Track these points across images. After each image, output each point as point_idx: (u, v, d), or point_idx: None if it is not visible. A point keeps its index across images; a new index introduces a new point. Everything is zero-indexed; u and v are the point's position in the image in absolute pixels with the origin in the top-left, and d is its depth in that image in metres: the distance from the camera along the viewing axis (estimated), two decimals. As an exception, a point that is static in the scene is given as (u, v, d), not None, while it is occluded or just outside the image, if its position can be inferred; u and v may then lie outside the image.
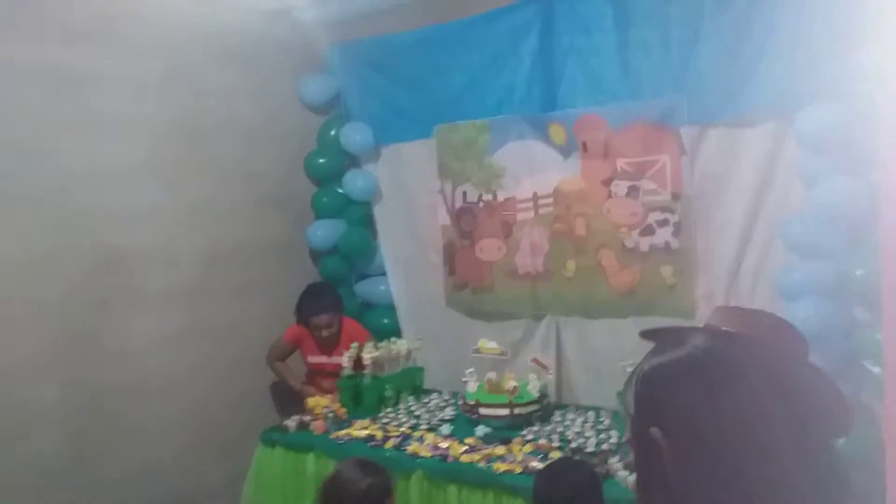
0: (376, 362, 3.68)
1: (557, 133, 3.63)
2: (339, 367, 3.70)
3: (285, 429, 3.41)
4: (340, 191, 4.32)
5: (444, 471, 2.90)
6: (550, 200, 3.73)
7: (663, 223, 3.39)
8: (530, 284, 3.82)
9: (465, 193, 3.98)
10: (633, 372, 1.12)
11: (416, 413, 3.53)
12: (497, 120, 3.78)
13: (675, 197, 3.34)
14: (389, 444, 3.12)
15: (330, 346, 3.90)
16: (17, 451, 3.03)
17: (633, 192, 3.46)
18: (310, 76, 4.32)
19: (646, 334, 1.11)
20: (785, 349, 1.24)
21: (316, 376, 3.95)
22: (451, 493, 2.84)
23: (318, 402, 3.56)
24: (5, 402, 3.01)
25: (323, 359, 3.92)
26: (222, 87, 3.90)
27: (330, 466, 3.18)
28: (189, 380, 3.73)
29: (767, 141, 3.07)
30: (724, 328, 1.30)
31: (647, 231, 3.43)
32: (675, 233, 3.36)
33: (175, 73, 3.67)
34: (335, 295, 3.95)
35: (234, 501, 3.48)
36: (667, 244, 3.38)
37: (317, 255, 4.42)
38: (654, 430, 0.98)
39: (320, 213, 4.36)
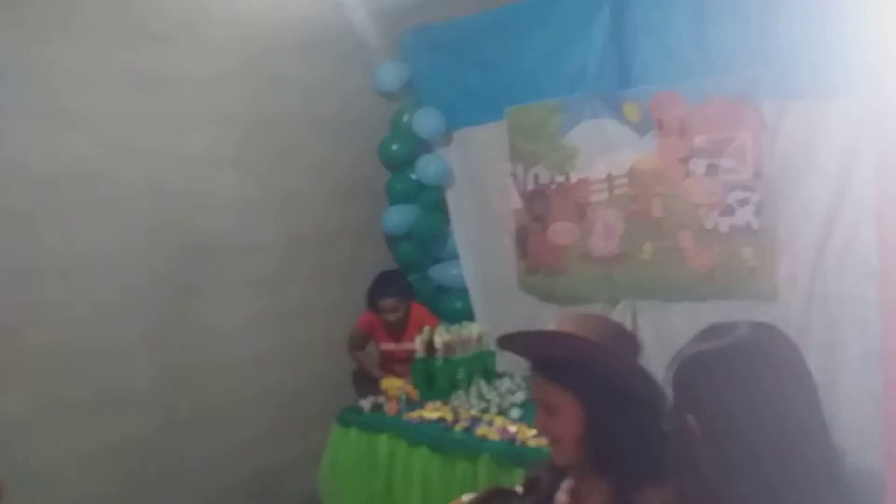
0: (448, 346, 3.72)
1: (632, 111, 3.53)
2: (410, 352, 3.76)
3: (360, 409, 3.50)
4: (413, 176, 4.37)
5: (511, 454, 2.91)
6: (626, 181, 3.64)
7: (744, 202, 3.24)
8: (605, 268, 3.74)
9: (537, 176, 3.94)
10: (674, 357, 1.12)
11: (487, 396, 3.54)
12: (569, 100, 3.71)
13: (756, 175, 3.19)
14: (459, 426, 3.16)
15: (398, 331, 3.97)
16: (112, 427, 3.26)
17: (711, 170, 3.32)
18: (383, 63, 4.37)
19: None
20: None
21: (388, 363, 4.04)
22: (517, 476, 2.83)
23: (392, 384, 3.63)
24: (103, 381, 3.23)
25: (392, 345, 3.99)
26: (297, 78, 4.01)
27: (402, 447, 3.27)
28: (271, 361, 3.88)
29: (854, 115, 2.88)
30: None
31: (727, 211, 3.29)
32: (757, 213, 3.21)
33: (252, 66, 3.79)
34: (403, 281, 4.01)
35: (313, 479, 3.61)
36: (748, 224, 3.23)
37: (392, 241, 4.49)
38: (690, 418, 0.99)
39: (394, 199, 4.43)
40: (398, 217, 4.36)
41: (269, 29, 3.84)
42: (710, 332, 1.07)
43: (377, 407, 3.50)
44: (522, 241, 4.08)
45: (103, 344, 3.24)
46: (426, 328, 3.75)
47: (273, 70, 3.89)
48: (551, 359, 1.45)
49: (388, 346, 4.02)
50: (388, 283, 3.96)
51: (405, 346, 3.89)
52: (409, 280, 4.07)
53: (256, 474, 3.79)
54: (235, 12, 3.70)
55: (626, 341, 1.48)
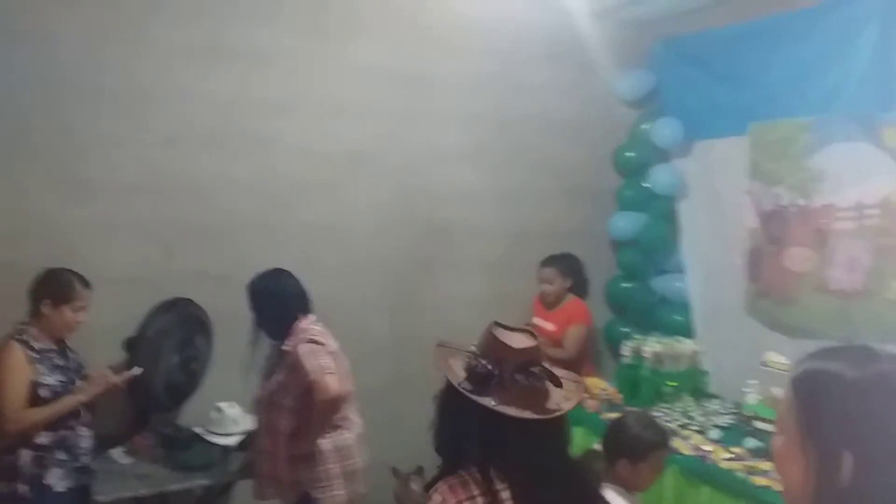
0: (657, 357, 3.73)
1: (893, 136, 3.24)
2: (545, 332, 3.83)
3: (561, 401, 3.66)
4: (646, 184, 4.39)
5: (700, 471, 2.89)
6: (878, 211, 3.34)
7: None
8: (842, 302, 3.47)
9: (777, 196, 3.75)
10: (805, 370, 1.10)
11: (691, 414, 3.50)
12: (821, 119, 3.49)
13: None
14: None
15: (546, 309, 4.02)
16: (352, 370, 3.78)
17: (984, 208, 2.94)
18: (627, 72, 4.45)
19: None
20: None
21: None
22: (703, 494, 2.83)
23: (596, 384, 3.74)
24: (349, 329, 3.73)
25: (538, 319, 4.04)
26: (541, 83, 4.26)
27: (593, 443, 3.37)
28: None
29: None
30: None
31: None
32: None
33: (502, 71, 4.14)
34: (572, 261, 4.02)
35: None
36: None
37: (616, 246, 4.56)
38: (846, 453, 0.97)
39: (623, 206, 4.49)
40: (625, 223, 4.42)
41: (519, 39, 4.14)
42: (851, 355, 1.07)
43: (578, 401, 3.63)
44: (755, 263, 3.92)
45: (351, 297, 3.78)
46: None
47: (519, 76, 4.19)
48: None
49: (535, 320, 4.07)
50: (557, 256, 4.02)
51: (546, 324, 3.95)
52: (582, 270, 4.08)
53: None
54: (491, 24, 4.05)
55: None
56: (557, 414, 1.55)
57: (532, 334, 1.65)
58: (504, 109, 4.17)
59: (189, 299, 3.29)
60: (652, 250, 4.41)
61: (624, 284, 4.52)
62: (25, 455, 2.59)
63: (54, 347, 2.73)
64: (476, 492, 1.50)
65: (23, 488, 2.59)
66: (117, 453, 3.05)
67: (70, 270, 2.77)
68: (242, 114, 3.52)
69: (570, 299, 3.98)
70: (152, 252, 3.38)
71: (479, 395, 1.53)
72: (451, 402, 1.59)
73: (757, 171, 3.84)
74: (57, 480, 2.65)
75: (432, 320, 4.04)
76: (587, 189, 4.46)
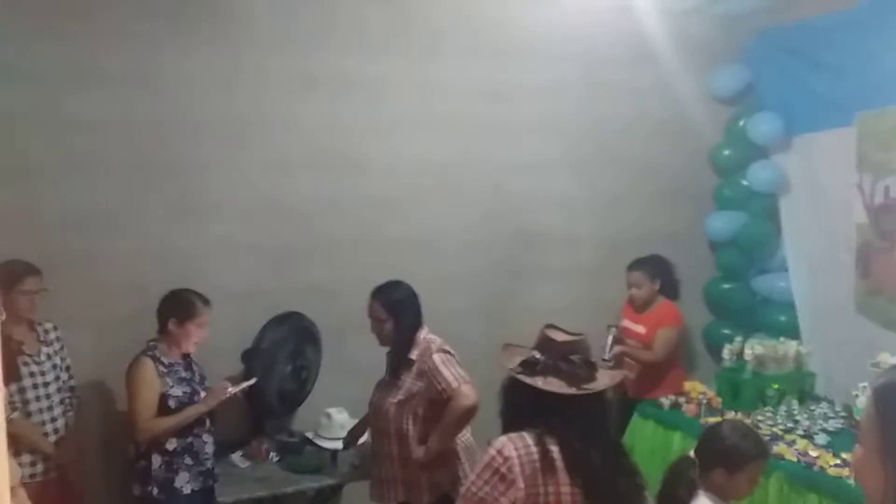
0: (759, 359, 3.63)
1: None
2: (636, 335, 3.83)
3: (660, 405, 3.65)
4: (744, 182, 4.27)
5: (806, 478, 2.81)
6: None
7: None
8: (964, 299, 3.28)
9: (887, 188, 3.58)
10: (888, 381, 1.12)
11: (797, 417, 3.39)
12: (933, 106, 3.31)
13: None
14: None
15: (636, 312, 3.96)
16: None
17: None
18: (720, 68, 4.34)
19: None
20: None
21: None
22: (810, 502, 2.75)
23: (695, 388, 3.69)
24: (444, 339, 3.89)
25: (627, 322, 3.98)
26: (633, 86, 4.24)
27: (691, 447, 3.34)
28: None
29: None
30: None
31: None
32: None
33: (588, 77, 4.15)
34: (660, 263, 3.93)
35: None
36: None
37: (715, 247, 4.46)
38: None
39: (722, 205, 4.38)
40: (723, 223, 4.31)
41: (605, 43, 4.13)
42: None
43: (676, 405, 3.60)
44: (865, 260, 3.74)
45: (446, 307, 3.86)
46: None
47: (604, 78, 4.18)
48: None
49: (625, 322, 4.02)
50: (644, 259, 3.93)
51: (635, 326, 3.90)
52: (671, 271, 3.97)
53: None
54: (574, 30, 4.07)
55: None
56: (588, 391, 1.94)
57: (577, 335, 2.10)
58: (593, 115, 4.19)
59: (299, 313, 3.52)
60: (752, 250, 4.29)
61: (724, 285, 4.41)
62: (157, 460, 2.87)
63: (180, 361, 3.01)
64: (531, 443, 1.89)
65: (155, 491, 2.87)
66: (237, 457, 3.31)
67: (192, 290, 3.04)
68: (337, 137, 3.73)
69: (661, 302, 3.93)
70: (262, 270, 3.63)
71: (529, 377, 1.97)
72: (510, 384, 2.04)
73: (865, 162, 3.67)
74: (185, 483, 2.92)
75: (526, 329, 4.05)
76: (683, 190, 4.39)
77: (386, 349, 2.99)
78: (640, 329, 3.90)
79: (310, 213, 3.73)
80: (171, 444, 2.90)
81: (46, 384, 2.97)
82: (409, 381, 2.87)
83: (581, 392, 1.94)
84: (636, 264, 3.94)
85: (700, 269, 4.36)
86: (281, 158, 3.66)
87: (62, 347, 3.10)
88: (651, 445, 3.57)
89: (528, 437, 1.90)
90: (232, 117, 3.56)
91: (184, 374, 2.99)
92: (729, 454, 2.34)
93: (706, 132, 4.39)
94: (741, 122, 4.28)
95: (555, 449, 1.87)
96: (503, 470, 1.85)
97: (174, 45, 3.41)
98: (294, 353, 3.44)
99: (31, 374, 2.92)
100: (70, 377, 3.12)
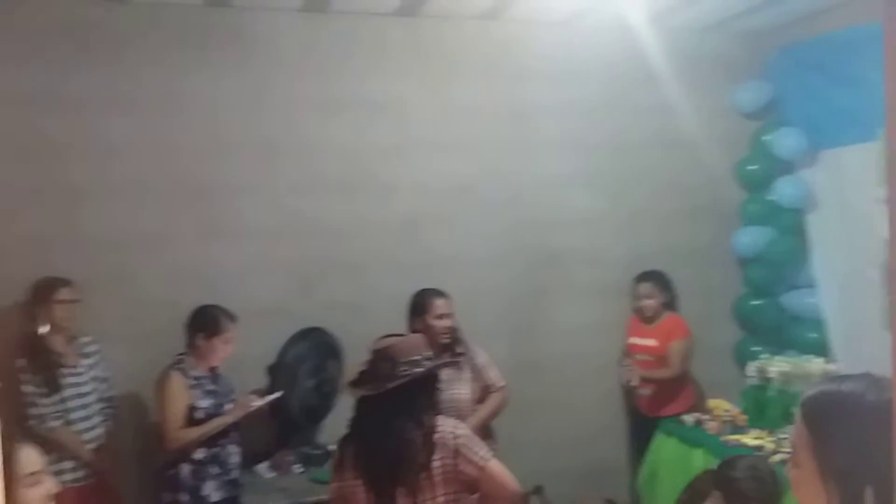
0: (785, 376, 3.59)
1: None
2: (645, 348, 3.84)
3: (682, 422, 3.63)
4: (770, 198, 4.24)
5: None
6: None
7: None
8: None
9: (914, 203, 3.51)
10: (816, 392, 1.13)
11: (823, 436, 3.33)
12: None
13: None
14: (776, 458, 3.08)
15: (645, 325, 3.97)
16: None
17: None
18: (743, 83, 4.34)
19: None
20: None
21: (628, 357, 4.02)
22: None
23: (720, 405, 3.66)
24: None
25: (635, 339, 3.98)
26: (656, 104, 4.26)
27: (715, 465, 3.32)
28: (609, 363, 4.19)
29: None
30: None
31: None
32: None
33: (613, 96, 4.20)
34: (664, 277, 4.01)
35: (633, 479, 3.84)
36: None
37: (742, 263, 4.42)
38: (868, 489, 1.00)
39: (748, 220, 4.35)
40: (750, 239, 4.28)
41: (622, 58, 4.18)
42: (859, 380, 1.08)
43: (699, 423, 3.58)
44: (894, 276, 3.67)
45: (471, 323, 3.81)
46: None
47: (632, 98, 4.24)
48: None
49: (633, 339, 4.03)
50: (651, 272, 4.00)
51: (645, 341, 3.91)
52: (673, 286, 4.04)
53: (585, 466, 4.13)
54: (589, 47, 4.13)
55: None
56: (386, 387, 2.06)
57: (400, 335, 2.28)
58: (615, 132, 4.23)
59: (322, 328, 3.63)
60: (780, 265, 4.24)
61: (753, 302, 4.36)
62: (185, 469, 3.01)
63: (207, 375, 3.15)
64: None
65: (184, 498, 3.00)
66: (262, 468, 3.42)
67: (219, 307, 3.19)
68: (361, 158, 3.86)
69: (667, 315, 3.96)
70: (290, 287, 3.77)
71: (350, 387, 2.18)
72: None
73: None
74: (212, 491, 3.04)
75: (549, 346, 4.15)
76: (707, 206, 4.38)
77: None
78: (652, 342, 3.92)
79: (336, 233, 3.85)
80: (199, 454, 3.03)
81: (86, 394, 3.15)
82: (462, 382, 3.22)
83: (375, 391, 2.08)
84: (646, 276, 4.00)
85: (728, 286, 4.33)
86: (308, 180, 3.81)
87: (100, 360, 3.28)
88: (673, 461, 3.55)
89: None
90: (261, 141, 3.73)
91: (211, 387, 3.13)
92: (731, 487, 2.33)
93: (732, 147, 4.37)
94: (766, 137, 4.26)
95: (348, 451, 2.13)
96: (335, 465, 2.18)
97: (203, 72, 3.62)
98: (316, 369, 3.55)
99: (72, 385, 3.11)
100: (108, 388, 3.30)
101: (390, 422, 2.07)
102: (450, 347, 3.23)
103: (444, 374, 3.14)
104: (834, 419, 1.05)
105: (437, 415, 2.16)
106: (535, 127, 4.09)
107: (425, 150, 3.94)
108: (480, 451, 2.09)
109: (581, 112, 4.16)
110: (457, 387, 3.19)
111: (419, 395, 2.12)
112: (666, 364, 3.84)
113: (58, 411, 3.03)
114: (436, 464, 2.04)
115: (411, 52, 3.92)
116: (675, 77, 4.24)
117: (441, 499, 2.04)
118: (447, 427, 2.11)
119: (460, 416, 3.04)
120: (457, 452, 2.06)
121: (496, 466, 2.09)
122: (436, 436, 2.07)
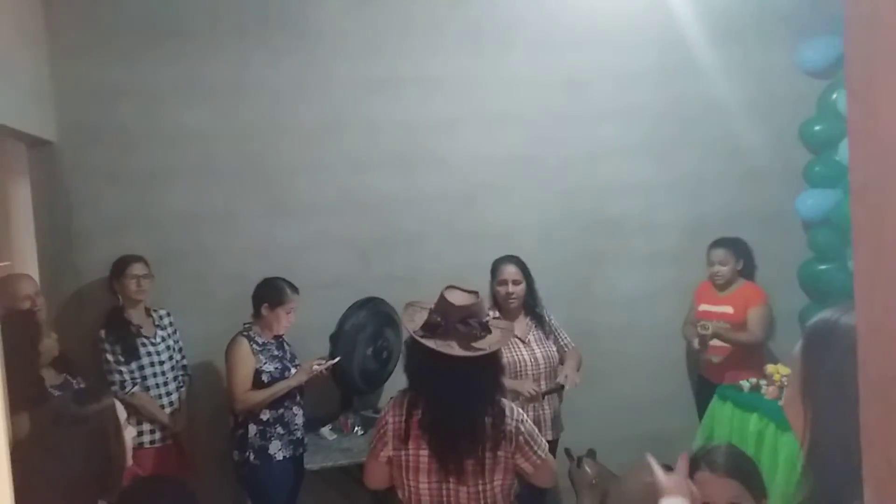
0: (849, 341, 3.48)
1: None
2: (724, 317, 3.76)
3: (739, 388, 3.59)
4: (838, 158, 4.08)
5: None
6: None
7: None
8: None
9: None
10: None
11: (888, 401, 3.23)
12: None
13: None
14: (834, 422, 3.03)
15: (718, 292, 3.90)
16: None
17: None
18: (810, 41, 4.17)
19: None
20: None
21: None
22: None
23: (779, 370, 3.60)
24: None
25: (706, 306, 3.90)
26: (716, 65, 4.16)
27: (770, 429, 3.29)
28: (667, 330, 4.18)
29: None
30: None
31: None
32: None
33: (666, 59, 4.13)
34: (744, 245, 3.91)
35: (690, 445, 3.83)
36: None
37: (807, 226, 4.28)
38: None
39: (813, 183, 4.21)
40: (815, 201, 4.14)
41: (686, 20, 4.08)
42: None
43: (756, 388, 3.54)
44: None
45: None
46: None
47: (684, 61, 4.15)
48: None
49: (704, 306, 3.95)
50: (727, 239, 3.91)
51: (719, 308, 3.83)
52: (751, 254, 3.94)
53: (642, 433, 4.12)
54: (644, 13, 4.08)
55: None
56: (482, 352, 2.05)
57: (475, 294, 2.20)
58: (673, 98, 4.17)
59: (379, 298, 3.78)
60: (848, 228, 4.06)
61: (820, 266, 4.23)
62: (252, 429, 3.23)
63: (272, 341, 3.35)
64: (403, 410, 2.10)
65: (252, 456, 3.23)
66: (326, 431, 3.62)
67: (282, 279, 3.38)
68: (419, 133, 3.96)
69: (743, 282, 3.87)
70: (350, 260, 3.93)
71: (426, 339, 2.09)
72: (410, 344, 2.19)
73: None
74: (277, 450, 3.25)
75: (608, 315, 4.16)
76: (769, 169, 4.26)
77: None
78: (727, 309, 3.85)
79: (394, 207, 3.98)
80: (265, 415, 3.24)
81: (162, 363, 3.41)
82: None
83: (473, 354, 2.05)
84: (721, 242, 3.92)
85: (792, 251, 4.22)
86: (367, 157, 3.94)
87: (175, 332, 3.55)
88: (728, 426, 3.53)
89: (404, 404, 2.11)
90: (322, 121, 3.88)
91: (276, 353, 3.33)
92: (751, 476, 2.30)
93: (797, 108, 4.22)
94: (834, 96, 4.09)
95: (417, 417, 2.07)
96: (381, 431, 2.15)
97: (265, 57, 3.78)
98: (374, 336, 3.70)
99: (149, 354, 3.37)
100: (182, 357, 3.57)
101: (469, 392, 2.05)
102: (531, 309, 3.42)
103: (534, 334, 3.40)
104: (822, 347, 1.08)
105: (503, 396, 2.15)
106: (590, 96, 4.09)
107: (481, 122, 4.01)
108: (539, 450, 2.13)
109: (636, 79, 4.12)
110: (546, 345, 3.40)
111: (497, 365, 2.14)
112: (743, 331, 3.80)
113: (136, 378, 3.31)
114: (500, 454, 2.08)
115: (464, 27, 3.98)
116: (736, 37, 4.13)
117: (498, 485, 2.10)
118: (513, 416, 2.11)
119: (552, 372, 3.32)
120: (519, 447, 2.09)
121: (549, 464, 2.17)
122: (504, 426, 2.06)
